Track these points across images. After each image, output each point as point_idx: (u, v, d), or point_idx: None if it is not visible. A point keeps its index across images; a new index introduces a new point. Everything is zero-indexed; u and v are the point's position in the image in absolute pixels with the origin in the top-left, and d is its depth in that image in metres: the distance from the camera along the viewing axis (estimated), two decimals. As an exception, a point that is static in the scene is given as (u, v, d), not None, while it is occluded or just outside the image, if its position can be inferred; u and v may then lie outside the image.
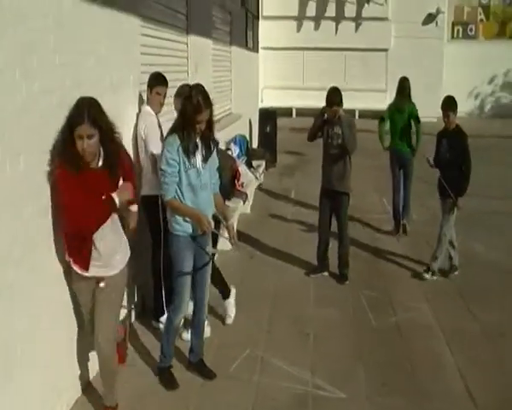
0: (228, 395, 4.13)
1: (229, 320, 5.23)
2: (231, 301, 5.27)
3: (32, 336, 3.30)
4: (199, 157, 3.99)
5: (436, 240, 6.42)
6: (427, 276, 6.40)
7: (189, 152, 3.89)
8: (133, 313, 5.16)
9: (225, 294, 5.25)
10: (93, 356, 3.92)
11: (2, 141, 2.93)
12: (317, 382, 4.30)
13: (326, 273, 6.47)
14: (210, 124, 3.97)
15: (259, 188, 10.02)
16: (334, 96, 6.02)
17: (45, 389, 3.50)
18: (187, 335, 4.70)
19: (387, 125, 8.29)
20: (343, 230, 6.35)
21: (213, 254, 4.78)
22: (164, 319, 4.95)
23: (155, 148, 4.67)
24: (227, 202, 6.84)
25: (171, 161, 3.87)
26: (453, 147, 6.21)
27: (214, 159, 4.16)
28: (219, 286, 5.18)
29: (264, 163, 10.39)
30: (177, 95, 4.82)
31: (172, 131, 3.96)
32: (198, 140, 3.96)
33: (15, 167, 3.05)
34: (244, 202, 7.58)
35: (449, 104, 6.32)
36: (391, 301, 5.86)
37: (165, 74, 5.04)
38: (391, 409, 4.04)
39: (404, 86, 8.14)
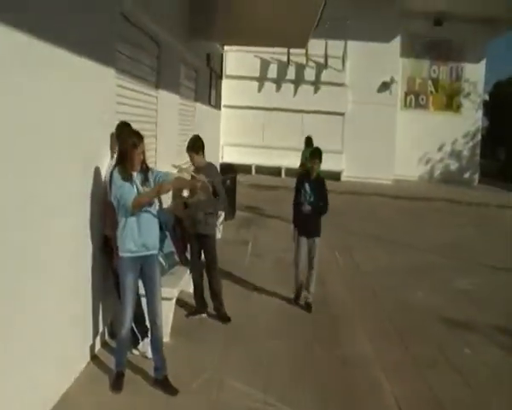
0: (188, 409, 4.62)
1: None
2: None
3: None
4: (137, 183, 4.69)
5: (311, 276, 7.24)
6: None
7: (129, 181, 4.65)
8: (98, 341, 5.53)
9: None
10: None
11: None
12: (268, 400, 4.85)
13: (204, 315, 6.72)
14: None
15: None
16: (192, 142, 6.53)
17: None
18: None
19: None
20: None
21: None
22: (140, 346, 5.42)
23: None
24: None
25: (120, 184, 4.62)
26: (315, 191, 7.10)
27: (156, 175, 4.81)
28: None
29: (223, 214, 10.89)
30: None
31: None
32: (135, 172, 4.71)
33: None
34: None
35: (317, 154, 7.21)
36: (336, 337, 6.43)
37: (135, 123, 5.56)
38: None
39: (310, 141, 13.38)
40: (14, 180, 3.65)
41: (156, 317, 4.85)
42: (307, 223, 7.14)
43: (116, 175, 4.63)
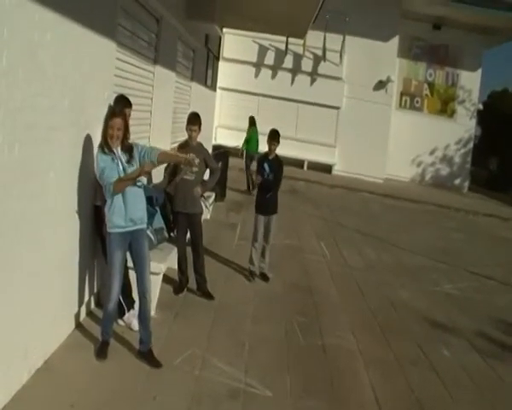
0: (171, 382, 4.61)
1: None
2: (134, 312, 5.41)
3: None
4: (122, 161, 4.57)
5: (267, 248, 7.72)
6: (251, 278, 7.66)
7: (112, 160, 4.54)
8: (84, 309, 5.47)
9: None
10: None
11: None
12: (248, 381, 4.86)
13: (185, 291, 6.76)
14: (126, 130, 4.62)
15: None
16: (193, 117, 6.57)
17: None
18: (136, 325, 5.16)
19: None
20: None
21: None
22: (126, 317, 5.40)
23: None
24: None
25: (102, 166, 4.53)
26: (274, 170, 7.54)
27: (140, 150, 4.69)
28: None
29: (213, 195, 10.82)
30: None
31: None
32: (118, 149, 4.57)
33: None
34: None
35: (275, 136, 7.66)
36: (319, 326, 6.43)
37: (132, 97, 5.48)
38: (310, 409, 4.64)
39: (253, 120, 15.74)
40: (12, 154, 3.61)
41: (146, 291, 4.81)
42: (266, 202, 7.58)
43: (99, 156, 4.55)
